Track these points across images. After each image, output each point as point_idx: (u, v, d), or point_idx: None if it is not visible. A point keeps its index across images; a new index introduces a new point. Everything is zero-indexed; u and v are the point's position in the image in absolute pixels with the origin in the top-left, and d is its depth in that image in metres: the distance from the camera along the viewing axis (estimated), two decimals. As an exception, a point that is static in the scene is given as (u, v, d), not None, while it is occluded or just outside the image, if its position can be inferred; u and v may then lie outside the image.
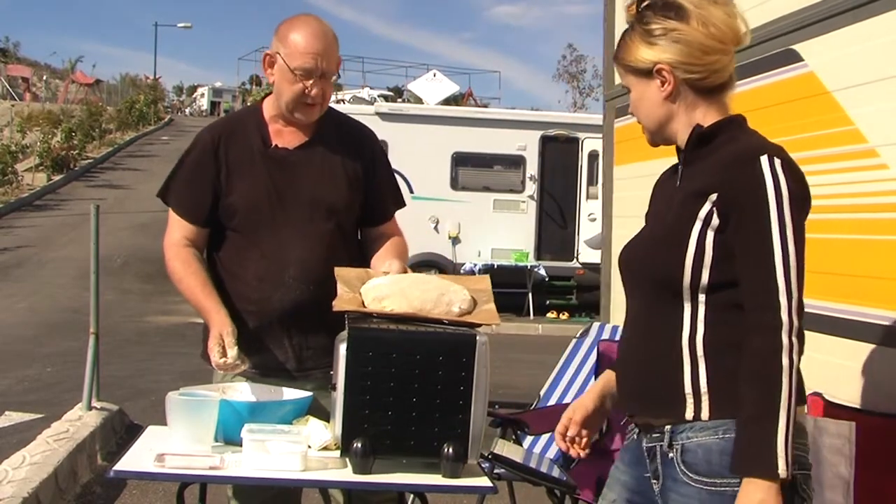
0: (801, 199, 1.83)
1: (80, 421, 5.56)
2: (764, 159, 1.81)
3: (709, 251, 1.86)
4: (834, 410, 2.72)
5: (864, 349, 2.88)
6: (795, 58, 3.29)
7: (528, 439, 4.18)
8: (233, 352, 2.60)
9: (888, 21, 2.84)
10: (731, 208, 1.83)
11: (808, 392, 2.90)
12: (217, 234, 2.85)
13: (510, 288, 13.15)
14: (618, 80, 5.70)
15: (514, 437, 3.91)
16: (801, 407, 1.86)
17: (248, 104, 3.24)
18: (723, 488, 1.82)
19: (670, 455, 1.90)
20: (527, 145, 14.37)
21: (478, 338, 2.31)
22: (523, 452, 3.74)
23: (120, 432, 5.95)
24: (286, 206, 2.78)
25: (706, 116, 1.96)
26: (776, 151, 1.85)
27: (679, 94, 1.95)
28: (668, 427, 1.91)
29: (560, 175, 14.55)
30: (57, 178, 23.54)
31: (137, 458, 2.34)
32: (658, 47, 1.93)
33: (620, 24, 5.17)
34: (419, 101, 18.38)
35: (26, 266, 15.24)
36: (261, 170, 2.79)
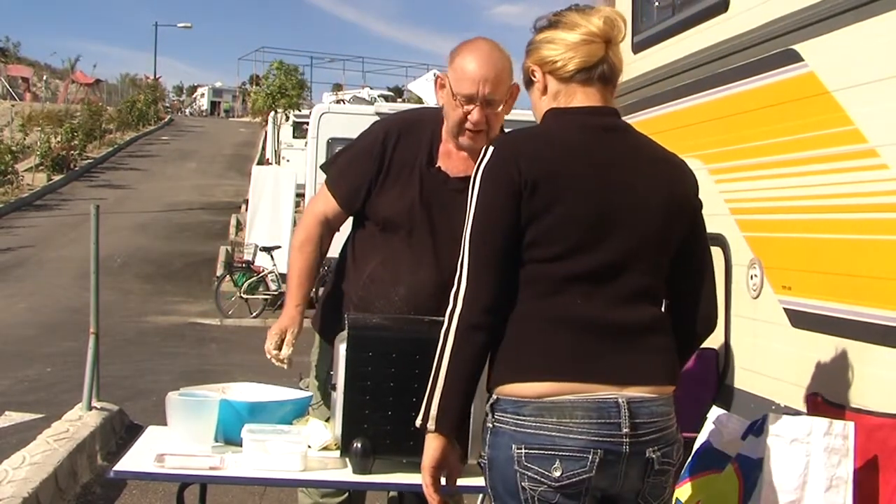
0: (496, 182, 2.00)
1: (80, 421, 5.56)
2: (485, 149, 2.06)
3: None
4: (834, 410, 2.72)
5: (864, 349, 2.87)
6: (795, 58, 3.29)
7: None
8: (287, 351, 2.71)
9: (888, 21, 2.84)
10: None
11: (807, 392, 2.90)
12: (363, 215, 2.86)
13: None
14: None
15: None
16: (521, 384, 1.97)
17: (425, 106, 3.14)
18: None
19: None
20: (527, 145, 14.32)
21: (478, 338, 2.30)
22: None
23: (120, 432, 5.95)
24: (423, 229, 2.76)
25: (561, 105, 2.13)
26: (502, 140, 2.11)
27: (547, 87, 2.13)
28: None
29: (560, 175, 14.50)
30: (57, 177, 23.54)
31: (137, 459, 2.34)
32: (533, 53, 2.14)
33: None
34: (419, 101, 18.33)
35: (26, 266, 15.24)
36: (414, 185, 2.77)
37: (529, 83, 2.18)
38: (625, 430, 1.96)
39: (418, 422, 2.00)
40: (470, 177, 2.75)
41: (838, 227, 3.05)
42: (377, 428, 2.26)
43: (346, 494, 2.84)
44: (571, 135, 2.08)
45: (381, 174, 2.78)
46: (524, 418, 1.95)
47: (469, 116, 2.67)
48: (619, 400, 1.96)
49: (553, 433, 1.94)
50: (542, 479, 1.93)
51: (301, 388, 3.04)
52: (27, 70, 42.34)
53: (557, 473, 1.93)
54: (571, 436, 1.94)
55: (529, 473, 1.94)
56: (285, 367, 2.72)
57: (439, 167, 2.79)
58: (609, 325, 2.01)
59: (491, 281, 1.98)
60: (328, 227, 2.88)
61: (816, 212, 3.15)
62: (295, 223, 14.46)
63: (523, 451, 1.94)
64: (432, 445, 2.00)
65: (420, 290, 2.72)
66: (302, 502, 2.91)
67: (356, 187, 2.81)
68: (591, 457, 1.94)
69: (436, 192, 2.77)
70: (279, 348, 2.71)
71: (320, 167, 2.97)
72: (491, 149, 2.04)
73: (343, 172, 2.86)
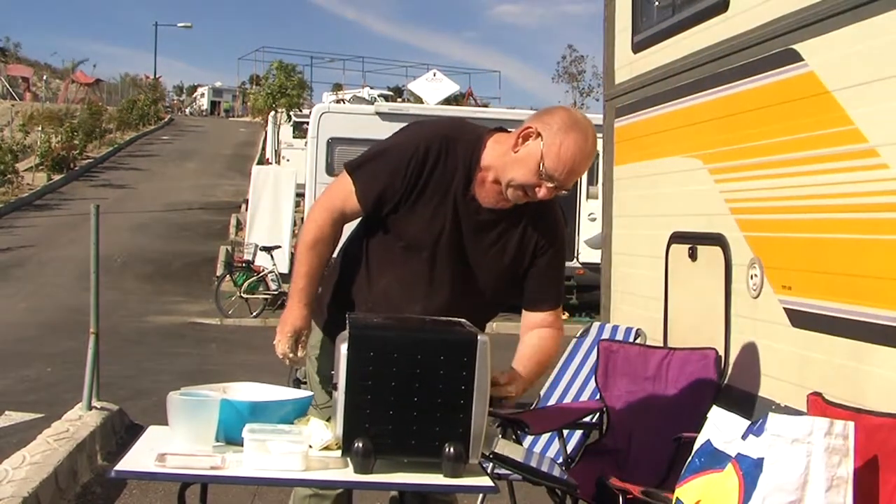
0: None
1: (80, 421, 5.56)
2: None
3: None
4: (834, 410, 2.72)
5: (864, 349, 2.88)
6: (795, 58, 3.29)
7: (529, 439, 4.18)
8: (303, 353, 2.77)
9: (888, 21, 2.85)
10: None
11: (807, 392, 2.91)
12: (383, 225, 2.78)
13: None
14: (618, 79, 5.65)
15: (514, 436, 3.91)
16: None
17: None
18: None
19: None
20: (527, 145, 14.30)
21: (478, 337, 2.31)
22: (524, 452, 3.74)
23: (120, 432, 5.95)
24: (447, 255, 2.73)
25: None
26: None
27: None
28: None
29: (560, 175, 14.48)
30: (57, 177, 23.53)
31: (138, 458, 2.34)
32: None
33: (621, 24, 5.17)
34: (419, 100, 18.38)
35: (26, 266, 15.24)
36: (447, 210, 2.71)
37: None
38: None
39: None
40: (499, 209, 2.70)
41: (838, 227, 3.05)
42: (378, 428, 2.26)
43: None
44: None
45: (416, 191, 2.71)
46: None
47: (538, 189, 2.63)
48: None
49: None
50: None
51: (299, 379, 3.05)
52: (27, 70, 42.30)
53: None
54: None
55: None
56: (297, 366, 2.75)
57: (473, 196, 2.72)
58: None
59: None
60: (341, 225, 2.83)
61: (816, 212, 3.16)
62: (295, 223, 14.47)
63: None
64: None
65: (432, 314, 2.70)
66: (298, 492, 2.91)
67: (386, 197, 2.73)
68: None
69: (467, 220, 2.73)
70: (294, 351, 2.73)
71: (345, 165, 2.82)
72: None
73: (375, 178, 2.75)
